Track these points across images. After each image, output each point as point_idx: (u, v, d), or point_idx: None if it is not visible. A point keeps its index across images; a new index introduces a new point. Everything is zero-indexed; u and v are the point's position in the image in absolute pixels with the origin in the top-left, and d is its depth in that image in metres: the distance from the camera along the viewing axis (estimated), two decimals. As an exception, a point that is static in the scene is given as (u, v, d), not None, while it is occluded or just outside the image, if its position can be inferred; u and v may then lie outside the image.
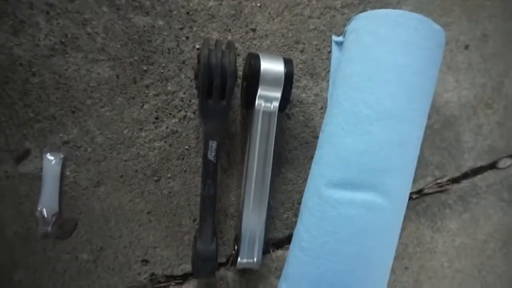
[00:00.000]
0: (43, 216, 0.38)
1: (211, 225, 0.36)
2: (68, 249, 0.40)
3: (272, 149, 0.37)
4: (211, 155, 0.36)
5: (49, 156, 0.38)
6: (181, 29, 0.40)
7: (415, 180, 0.46)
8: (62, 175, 0.39)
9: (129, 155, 0.40)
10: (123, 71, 0.39)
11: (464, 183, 0.49)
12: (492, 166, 0.50)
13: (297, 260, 0.36)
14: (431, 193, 0.47)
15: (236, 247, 0.39)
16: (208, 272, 0.36)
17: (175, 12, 0.40)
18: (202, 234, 0.36)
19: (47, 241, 0.39)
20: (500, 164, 0.49)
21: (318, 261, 0.35)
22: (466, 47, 0.48)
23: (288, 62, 0.37)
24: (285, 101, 0.37)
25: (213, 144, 0.36)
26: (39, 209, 0.38)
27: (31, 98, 0.38)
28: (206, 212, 0.37)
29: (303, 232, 0.37)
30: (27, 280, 0.39)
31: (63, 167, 0.39)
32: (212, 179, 0.36)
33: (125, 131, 0.40)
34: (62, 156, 0.38)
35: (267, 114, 0.36)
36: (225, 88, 0.34)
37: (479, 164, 0.49)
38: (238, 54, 0.42)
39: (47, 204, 0.38)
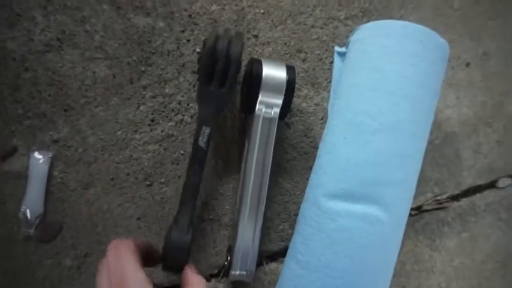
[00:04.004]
0: (26, 217, 0.36)
1: (189, 214, 0.34)
2: (50, 253, 0.38)
3: (271, 157, 0.36)
4: (202, 141, 0.34)
5: (37, 155, 0.36)
6: (183, 31, 0.40)
7: (414, 197, 0.45)
8: (50, 175, 0.37)
9: (122, 157, 0.39)
10: (120, 70, 0.38)
11: (464, 202, 0.48)
12: (491, 185, 0.49)
13: (292, 273, 0.35)
14: (430, 210, 0.46)
15: (229, 258, 0.37)
16: (178, 264, 0.33)
17: (177, 14, 0.39)
18: (178, 222, 0.34)
19: (29, 244, 0.37)
20: (500, 184, 0.49)
21: (314, 274, 0.33)
22: (467, 64, 0.48)
23: (290, 69, 0.36)
24: (285, 108, 0.36)
25: (206, 131, 0.34)
26: (22, 209, 0.36)
27: (22, 93, 0.36)
28: (187, 200, 0.34)
29: (300, 244, 0.35)
30: (5, 285, 0.37)
31: (51, 166, 0.37)
32: (199, 165, 0.34)
33: (119, 132, 0.39)
34: (50, 155, 0.37)
35: (267, 120, 0.35)
36: (226, 74, 0.33)
37: (478, 182, 0.49)
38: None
39: (31, 205, 0.36)
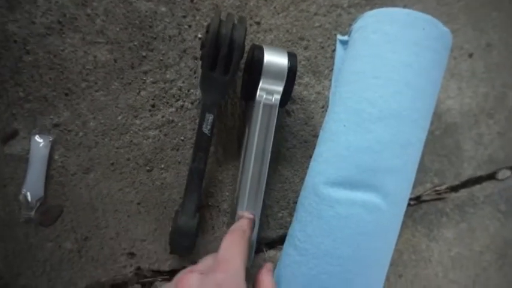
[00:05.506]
0: (27, 200, 0.36)
1: (196, 199, 0.35)
2: (51, 237, 0.38)
3: (271, 143, 0.36)
4: (206, 128, 0.35)
5: (37, 138, 0.36)
6: (184, 17, 0.39)
7: (413, 187, 0.45)
8: (50, 159, 0.37)
9: (122, 142, 0.39)
10: (121, 55, 0.38)
11: (462, 192, 0.48)
12: (491, 177, 0.49)
13: (291, 259, 0.35)
14: (428, 200, 0.46)
15: (227, 244, 0.37)
16: (186, 247, 0.34)
17: (179, -1, 0.39)
18: (185, 207, 0.34)
19: (30, 227, 0.37)
20: (500, 175, 0.49)
21: (312, 261, 0.33)
22: (470, 55, 0.47)
23: (292, 56, 0.36)
24: (286, 95, 0.36)
25: (210, 118, 0.35)
26: (23, 192, 0.36)
27: (23, 77, 0.36)
28: (193, 186, 0.35)
29: (298, 231, 0.35)
30: (6, 267, 0.37)
31: (52, 150, 0.37)
32: (204, 152, 0.35)
33: (119, 117, 0.38)
34: (51, 139, 0.37)
35: (268, 106, 0.35)
36: (230, 61, 0.33)
37: (478, 173, 0.49)
38: (242, 46, 0.41)
39: (32, 188, 0.36)
